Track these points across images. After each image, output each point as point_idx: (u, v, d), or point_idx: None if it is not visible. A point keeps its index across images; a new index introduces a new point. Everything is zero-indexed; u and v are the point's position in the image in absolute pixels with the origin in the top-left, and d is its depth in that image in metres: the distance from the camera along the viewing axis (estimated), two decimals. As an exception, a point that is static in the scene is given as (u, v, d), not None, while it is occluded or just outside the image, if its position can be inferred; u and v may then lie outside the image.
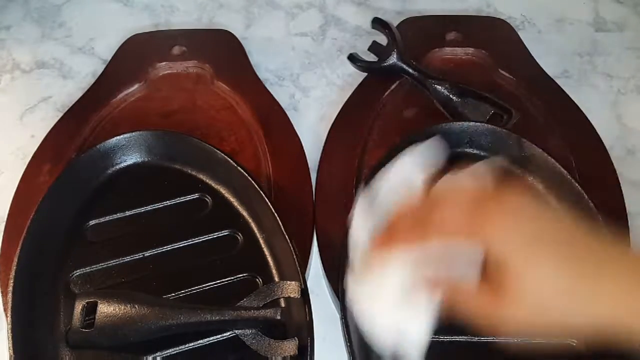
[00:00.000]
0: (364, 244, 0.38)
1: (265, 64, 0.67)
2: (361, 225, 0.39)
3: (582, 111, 0.60)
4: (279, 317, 0.42)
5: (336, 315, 0.50)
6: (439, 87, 0.59)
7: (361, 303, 0.38)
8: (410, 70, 0.60)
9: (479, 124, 0.55)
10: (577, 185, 0.50)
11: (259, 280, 0.48)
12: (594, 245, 0.34)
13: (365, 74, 0.63)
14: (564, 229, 0.35)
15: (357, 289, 0.38)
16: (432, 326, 0.36)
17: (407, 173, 0.40)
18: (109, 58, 0.65)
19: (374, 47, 0.63)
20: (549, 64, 0.64)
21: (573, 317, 0.33)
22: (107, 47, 0.68)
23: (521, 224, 0.34)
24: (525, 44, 0.66)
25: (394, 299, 0.36)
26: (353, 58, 0.63)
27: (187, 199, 0.53)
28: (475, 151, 0.55)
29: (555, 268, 0.33)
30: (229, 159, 0.51)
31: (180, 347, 0.45)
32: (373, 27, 0.64)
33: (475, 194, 0.36)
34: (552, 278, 0.33)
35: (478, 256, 0.34)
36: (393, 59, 0.61)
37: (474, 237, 0.34)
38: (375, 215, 0.39)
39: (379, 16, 0.65)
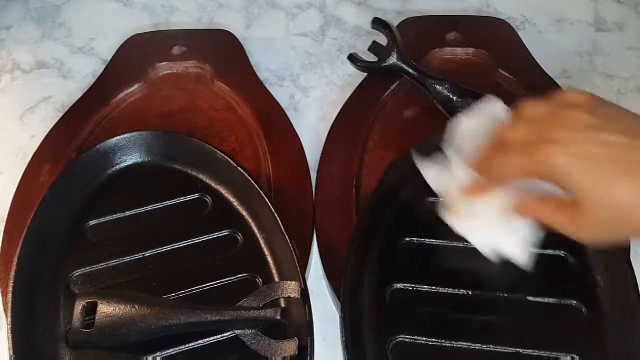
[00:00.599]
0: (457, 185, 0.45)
1: (265, 64, 0.67)
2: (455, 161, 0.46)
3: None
4: (279, 317, 0.42)
5: (336, 315, 0.50)
6: (439, 87, 0.59)
7: (466, 229, 0.45)
8: (410, 70, 0.60)
9: None
10: None
11: (259, 280, 0.48)
12: None
13: (365, 74, 0.63)
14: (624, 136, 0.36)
15: (460, 221, 0.45)
16: (529, 242, 0.43)
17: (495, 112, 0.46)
18: (109, 58, 0.65)
19: (374, 47, 0.63)
20: (549, 64, 0.64)
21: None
22: (107, 47, 0.68)
23: (585, 143, 0.36)
24: (525, 44, 0.66)
25: (494, 224, 0.44)
26: (353, 58, 0.63)
27: (187, 199, 0.53)
28: None
29: (624, 184, 0.35)
30: (229, 159, 0.51)
31: (180, 347, 0.45)
32: (373, 27, 0.64)
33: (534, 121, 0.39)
34: (621, 195, 0.35)
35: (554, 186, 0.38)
36: (393, 59, 0.61)
37: (541, 164, 0.37)
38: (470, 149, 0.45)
39: (379, 16, 0.64)
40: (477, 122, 0.46)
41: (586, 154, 0.36)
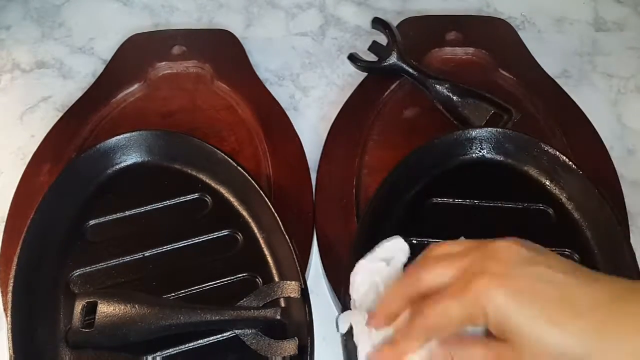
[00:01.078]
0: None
1: (265, 64, 0.67)
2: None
3: (582, 111, 0.60)
4: (279, 317, 0.42)
5: (336, 315, 0.50)
6: (439, 86, 0.59)
7: None
8: (411, 70, 0.60)
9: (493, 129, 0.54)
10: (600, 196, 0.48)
11: (259, 280, 0.48)
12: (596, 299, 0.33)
13: (366, 74, 0.63)
14: (560, 278, 0.33)
15: None
16: None
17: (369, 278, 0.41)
18: (109, 58, 0.65)
19: (374, 47, 0.63)
20: (549, 64, 0.64)
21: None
22: (107, 47, 0.68)
23: (518, 279, 0.33)
24: (525, 44, 0.66)
25: None
26: (353, 58, 0.63)
27: (187, 199, 0.53)
28: (495, 156, 0.54)
29: (557, 329, 0.32)
30: (229, 159, 0.51)
31: (180, 347, 0.45)
32: (373, 27, 0.65)
33: (461, 255, 0.35)
34: (555, 341, 0.32)
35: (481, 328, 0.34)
36: (393, 58, 0.61)
37: (470, 303, 0.33)
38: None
39: (379, 16, 0.65)
40: (376, 270, 0.41)
41: (525, 291, 0.33)
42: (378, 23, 0.63)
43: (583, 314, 0.32)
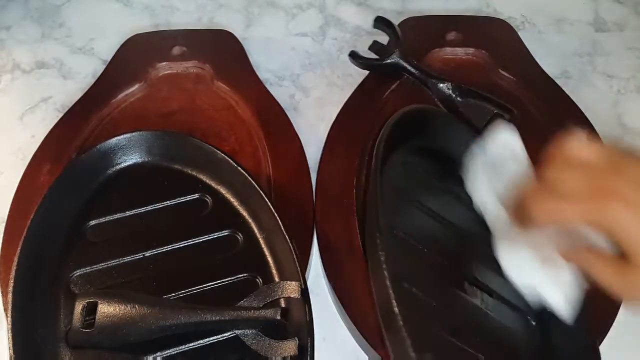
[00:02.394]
0: (499, 212, 0.44)
1: (265, 64, 0.67)
2: (485, 190, 0.45)
3: (582, 111, 0.60)
4: (279, 318, 0.42)
5: (336, 315, 0.51)
6: (441, 86, 0.59)
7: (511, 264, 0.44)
8: (412, 69, 0.60)
9: None
10: None
11: (259, 280, 0.48)
12: None
13: (366, 74, 0.63)
14: None
15: (507, 254, 0.44)
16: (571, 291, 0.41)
17: (510, 145, 0.46)
18: (109, 58, 0.65)
19: (375, 47, 0.63)
20: (549, 64, 0.64)
21: None
22: (107, 47, 0.68)
23: None
24: (525, 44, 0.66)
25: (537, 265, 0.42)
26: (354, 55, 0.63)
27: (187, 199, 0.53)
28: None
29: None
30: (229, 159, 0.51)
31: (180, 347, 0.45)
32: (375, 27, 0.64)
33: (598, 167, 0.36)
34: None
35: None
36: (395, 57, 0.61)
37: (600, 215, 0.35)
38: (497, 182, 0.44)
39: (379, 16, 0.65)
40: (496, 156, 0.45)
41: None
42: (380, 22, 0.63)
43: None
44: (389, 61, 0.61)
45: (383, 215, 0.42)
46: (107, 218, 0.51)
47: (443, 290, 0.46)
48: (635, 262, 0.34)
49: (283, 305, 0.46)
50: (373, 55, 0.63)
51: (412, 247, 0.47)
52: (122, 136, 0.53)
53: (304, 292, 0.44)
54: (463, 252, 0.49)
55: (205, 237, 0.51)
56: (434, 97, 0.59)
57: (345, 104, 0.61)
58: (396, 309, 0.37)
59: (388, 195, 0.46)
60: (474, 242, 0.49)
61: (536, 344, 0.46)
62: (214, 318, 0.42)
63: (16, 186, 0.55)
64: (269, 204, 0.48)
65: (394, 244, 0.45)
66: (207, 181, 0.53)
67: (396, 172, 0.50)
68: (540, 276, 0.42)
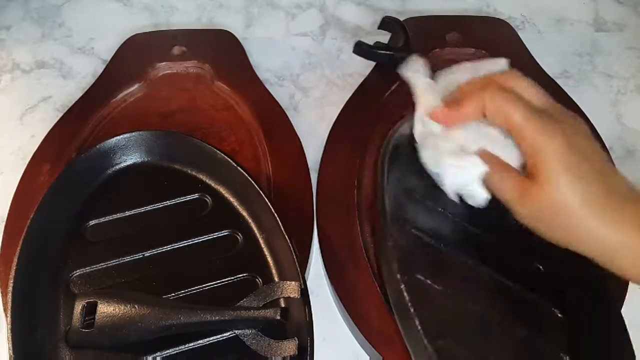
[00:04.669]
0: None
1: (265, 64, 0.67)
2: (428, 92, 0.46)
3: (582, 111, 0.60)
4: (278, 318, 0.42)
5: (336, 315, 0.51)
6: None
7: (428, 152, 0.44)
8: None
9: None
10: None
11: (259, 280, 0.48)
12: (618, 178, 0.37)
13: (366, 74, 0.63)
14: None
15: (426, 140, 0.45)
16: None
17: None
18: (109, 58, 0.65)
19: (376, 46, 0.63)
20: (549, 64, 0.64)
21: (586, 234, 0.36)
22: (107, 47, 0.68)
23: (568, 135, 0.37)
24: (525, 44, 0.66)
25: (456, 153, 0.43)
26: (361, 44, 0.61)
27: (187, 199, 0.53)
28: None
29: (587, 184, 0.36)
30: (229, 159, 0.51)
31: (180, 347, 0.45)
32: (381, 28, 0.64)
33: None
34: (580, 190, 0.36)
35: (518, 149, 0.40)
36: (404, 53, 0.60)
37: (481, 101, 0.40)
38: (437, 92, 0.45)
39: (379, 16, 0.64)
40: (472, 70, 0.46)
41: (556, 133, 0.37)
42: (389, 21, 0.63)
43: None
44: (399, 55, 0.60)
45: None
46: (107, 218, 0.51)
47: (462, 284, 0.47)
48: (535, 178, 0.37)
49: (283, 305, 0.46)
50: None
51: (427, 244, 0.49)
52: (121, 136, 0.53)
53: (304, 292, 0.44)
54: (482, 248, 0.49)
55: (205, 237, 0.51)
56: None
57: (345, 104, 0.61)
58: (406, 297, 0.42)
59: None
60: (490, 237, 0.50)
61: (564, 338, 0.46)
62: (213, 318, 0.42)
63: (16, 186, 0.55)
64: (269, 204, 0.48)
65: (404, 237, 0.48)
66: (207, 181, 0.53)
67: (405, 171, 0.51)
68: (452, 162, 0.43)
